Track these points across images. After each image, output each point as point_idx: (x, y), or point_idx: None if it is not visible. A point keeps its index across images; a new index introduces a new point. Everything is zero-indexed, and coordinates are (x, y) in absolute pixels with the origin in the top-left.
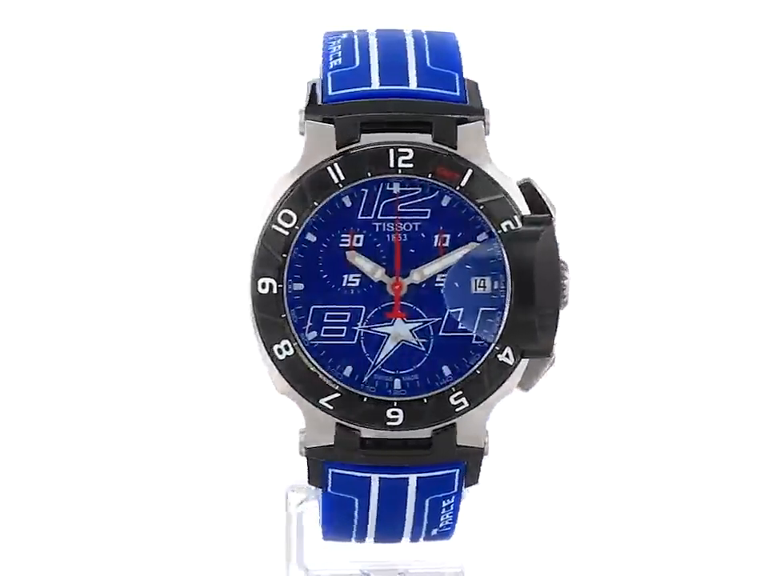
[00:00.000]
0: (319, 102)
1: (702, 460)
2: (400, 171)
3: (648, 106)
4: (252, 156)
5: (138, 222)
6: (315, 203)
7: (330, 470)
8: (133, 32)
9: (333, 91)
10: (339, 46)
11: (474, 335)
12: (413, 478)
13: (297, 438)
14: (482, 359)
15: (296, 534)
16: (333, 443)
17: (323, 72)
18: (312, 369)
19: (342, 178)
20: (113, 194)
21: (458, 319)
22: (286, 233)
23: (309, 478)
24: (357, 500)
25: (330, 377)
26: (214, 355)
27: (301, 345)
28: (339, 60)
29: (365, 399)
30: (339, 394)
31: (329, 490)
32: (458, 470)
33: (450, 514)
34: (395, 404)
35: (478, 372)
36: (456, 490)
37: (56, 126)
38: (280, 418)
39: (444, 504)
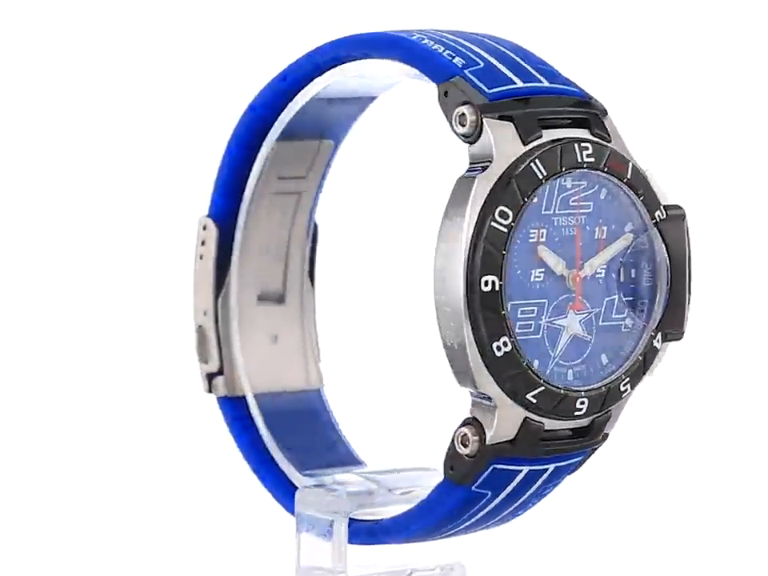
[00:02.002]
0: (479, 102)
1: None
2: (585, 166)
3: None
4: None
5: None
6: (525, 199)
7: (492, 466)
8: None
9: (489, 89)
10: (441, 47)
11: (624, 323)
12: (551, 468)
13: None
14: (640, 345)
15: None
16: (513, 438)
17: (450, 72)
18: (524, 363)
19: (545, 173)
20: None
21: (613, 308)
22: (505, 230)
23: (463, 476)
24: (489, 493)
25: (536, 371)
26: None
27: (516, 340)
28: (462, 60)
29: (561, 391)
30: (543, 388)
31: (474, 487)
32: (580, 458)
33: (533, 502)
34: (582, 394)
35: (640, 357)
36: (562, 478)
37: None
38: None
39: (544, 492)
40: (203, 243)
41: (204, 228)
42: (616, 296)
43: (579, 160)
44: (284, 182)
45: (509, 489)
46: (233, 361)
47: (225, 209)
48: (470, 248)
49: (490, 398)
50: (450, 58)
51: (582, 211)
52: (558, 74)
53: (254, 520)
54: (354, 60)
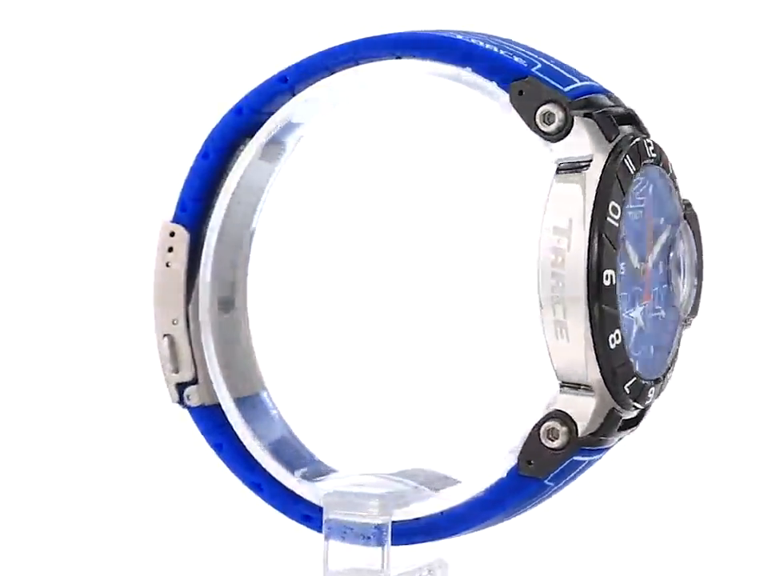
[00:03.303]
0: (564, 100)
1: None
2: (651, 161)
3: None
4: None
5: None
6: (625, 194)
7: (573, 458)
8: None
9: (564, 88)
10: (494, 47)
11: (660, 314)
12: (598, 458)
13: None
14: (677, 335)
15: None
16: (596, 429)
17: (518, 71)
18: (628, 356)
19: (634, 169)
20: None
21: (656, 300)
22: (617, 224)
23: (542, 469)
24: (552, 484)
25: (632, 362)
26: None
27: (623, 333)
28: (521, 60)
29: (643, 381)
30: (635, 379)
31: (546, 480)
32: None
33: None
34: (651, 383)
35: (677, 347)
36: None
37: None
38: None
39: (573, 480)
40: (170, 250)
41: (171, 235)
42: (658, 287)
43: (648, 155)
44: (251, 185)
45: (566, 479)
46: (207, 368)
47: (196, 213)
48: (590, 244)
49: (592, 390)
50: (510, 59)
51: (643, 205)
52: (583, 73)
53: (246, 525)
54: (373, 61)
